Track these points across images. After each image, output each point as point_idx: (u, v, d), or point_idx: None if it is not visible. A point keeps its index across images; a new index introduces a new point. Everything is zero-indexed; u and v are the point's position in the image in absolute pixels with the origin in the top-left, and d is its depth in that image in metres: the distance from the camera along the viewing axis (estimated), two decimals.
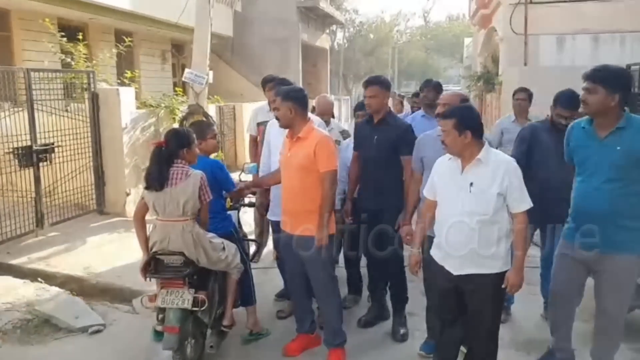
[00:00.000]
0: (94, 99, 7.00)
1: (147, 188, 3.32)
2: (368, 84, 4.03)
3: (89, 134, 6.99)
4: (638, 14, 10.73)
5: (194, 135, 3.54)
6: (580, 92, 3.11)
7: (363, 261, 4.50)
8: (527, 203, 2.93)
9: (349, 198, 4.24)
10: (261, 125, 5.29)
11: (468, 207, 2.92)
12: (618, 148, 2.97)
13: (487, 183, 2.90)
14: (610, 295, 3.16)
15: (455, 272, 3.02)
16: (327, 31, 24.09)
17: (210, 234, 3.52)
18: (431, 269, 3.22)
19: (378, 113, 4.01)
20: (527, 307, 4.41)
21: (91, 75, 7.06)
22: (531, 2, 11.37)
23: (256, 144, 5.44)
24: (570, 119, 3.84)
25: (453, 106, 3.22)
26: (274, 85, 5.10)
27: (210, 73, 7.55)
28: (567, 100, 3.89)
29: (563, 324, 3.45)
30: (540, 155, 3.99)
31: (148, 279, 3.40)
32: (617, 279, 3.11)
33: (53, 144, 6.41)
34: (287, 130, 3.75)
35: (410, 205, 3.77)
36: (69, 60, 7.83)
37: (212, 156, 4.06)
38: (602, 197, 3.02)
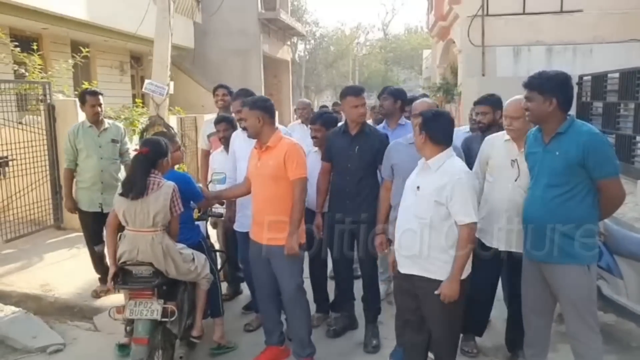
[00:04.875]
0: (50, 110, 6.77)
1: (121, 194, 3.27)
2: (359, 92, 4.01)
3: (45, 147, 6.76)
4: (589, 26, 11.22)
5: (169, 146, 3.54)
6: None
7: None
8: (469, 217, 2.91)
9: (319, 211, 4.13)
10: (212, 136, 5.24)
11: (413, 210, 3.02)
12: (557, 153, 2.93)
13: (429, 190, 2.97)
14: (569, 313, 3.07)
15: (402, 270, 3.11)
16: (288, 43, 24.12)
17: (180, 245, 3.49)
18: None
19: (360, 123, 3.99)
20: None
21: (47, 87, 6.84)
22: (488, 15, 11.72)
23: (208, 158, 5.36)
24: (482, 115, 4.03)
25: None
26: (230, 93, 5.11)
27: (171, 84, 7.44)
28: (480, 99, 4.11)
29: (537, 339, 3.34)
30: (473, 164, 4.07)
31: (117, 290, 3.36)
32: (569, 292, 3.00)
33: (7, 157, 6.16)
34: (252, 141, 3.73)
35: (381, 214, 3.77)
36: (22, 71, 7.58)
37: (175, 168, 4.00)
38: (543, 204, 2.99)
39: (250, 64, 18.12)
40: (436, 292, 2.95)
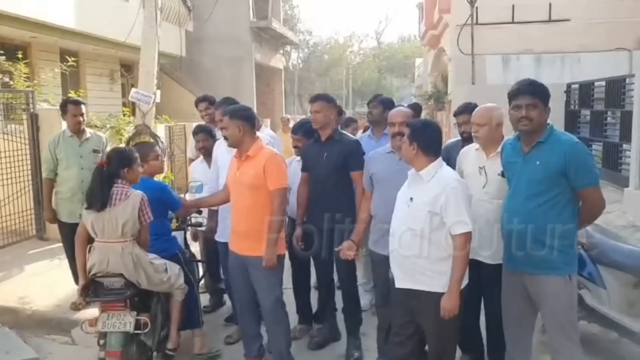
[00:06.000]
0: (33, 119, 6.71)
1: (87, 208, 3.27)
2: (314, 99, 4.04)
3: (28, 156, 6.68)
4: (577, 35, 11.28)
5: (137, 155, 3.48)
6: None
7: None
8: (463, 226, 2.83)
9: (299, 223, 4.08)
10: None
11: (405, 221, 2.96)
12: (537, 162, 2.91)
13: (424, 200, 2.91)
14: (550, 324, 3.02)
15: (397, 285, 3.04)
16: (281, 51, 24.17)
17: (152, 255, 3.45)
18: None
19: (325, 129, 3.98)
20: None
21: (30, 95, 6.78)
22: (477, 24, 11.75)
23: None
24: (465, 124, 3.98)
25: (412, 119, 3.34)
26: (212, 104, 5.05)
27: (158, 92, 7.39)
28: (458, 109, 4.11)
29: (519, 351, 3.28)
30: None
31: (88, 303, 3.33)
32: (550, 303, 2.95)
33: None
34: (234, 150, 3.69)
35: (360, 223, 3.70)
36: (7, 80, 7.52)
37: (161, 177, 3.95)
38: (523, 213, 2.95)
39: (243, 72, 18.14)
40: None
